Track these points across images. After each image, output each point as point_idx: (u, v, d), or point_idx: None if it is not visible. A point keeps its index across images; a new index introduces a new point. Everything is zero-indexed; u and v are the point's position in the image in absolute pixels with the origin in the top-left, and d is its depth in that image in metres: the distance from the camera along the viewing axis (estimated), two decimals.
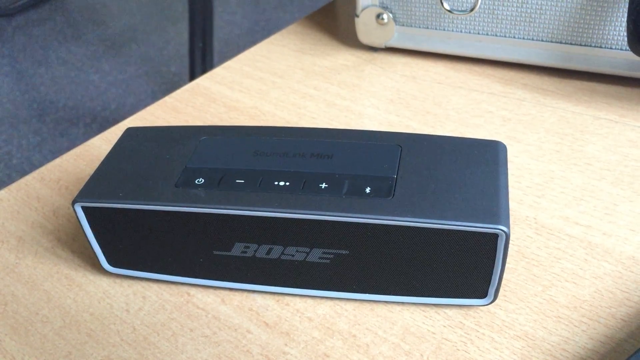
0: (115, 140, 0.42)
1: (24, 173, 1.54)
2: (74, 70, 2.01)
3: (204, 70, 1.53)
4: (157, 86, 1.91)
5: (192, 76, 1.56)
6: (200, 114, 0.45)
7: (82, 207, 0.30)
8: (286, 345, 0.30)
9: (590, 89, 0.44)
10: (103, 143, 0.43)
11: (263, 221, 0.28)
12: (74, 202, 0.30)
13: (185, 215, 0.29)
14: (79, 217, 0.30)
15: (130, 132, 0.34)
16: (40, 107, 1.85)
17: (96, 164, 0.41)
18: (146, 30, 2.17)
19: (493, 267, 0.28)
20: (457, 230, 0.27)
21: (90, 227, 0.31)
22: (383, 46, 0.49)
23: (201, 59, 1.58)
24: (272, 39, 0.53)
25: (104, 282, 0.33)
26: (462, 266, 0.28)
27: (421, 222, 0.27)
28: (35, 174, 0.40)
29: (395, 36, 0.48)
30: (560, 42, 0.44)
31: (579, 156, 0.38)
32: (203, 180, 0.30)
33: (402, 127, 0.42)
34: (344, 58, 0.50)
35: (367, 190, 0.28)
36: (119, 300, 0.32)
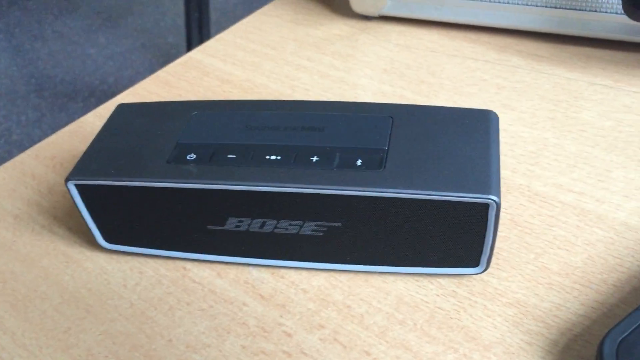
0: (108, 116, 0.42)
1: (24, 149, 1.54)
2: (71, 44, 1.99)
3: (200, 41, 1.52)
4: (154, 58, 1.89)
5: (189, 47, 1.55)
6: (193, 88, 0.44)
7: (76, 185, 0.30)
8: (282, 317, 0.30)
9: (586, 54, 0.44)
10: (97, 119, 0.43)
11: (255, 195, 0.28)
12: (67, 180, 0.30)
13: (178, 191, 0.29)
14: (73, 195, 0.30)
15: (121, 108, 0.34)
16: (38, 82, 1.85)
17: (90, 140, 0.41)
18: (142, 2, 2.15)
19: (485, 236, 0.28)
20: (448, 201, 0.27)
21: (85, 204, 0.31)
22: (377, 15, 0.49)
23: (198, 30, 1.57)
24: (265, 9, 0.53)
25: (100, 258, 0.33)
26: (455, 236, 0.28)
27: (412, 194, 0.27)
28: (30, 151, 0.40)
29: (388, 4, 0.48)
30: (555, 7, 0.43)
31: (573, 123, 0.38)
32: (195, 156, 0.30)
33: (396, 97, 0.42)
34: (338, 28, 0.49)
35: (359, 162, 0.28)
36: (116, 276, 0.32)
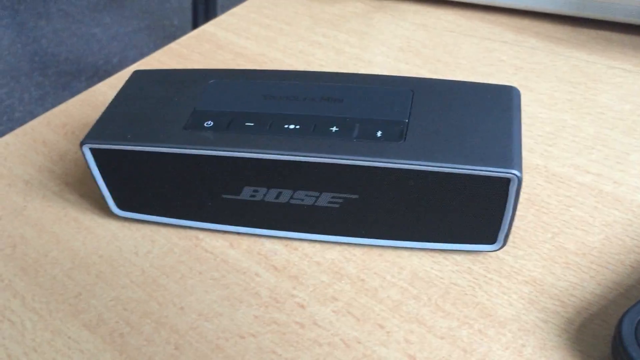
0: (120, 86, 0.42)
1: None
2: (75, 23, 1.98)
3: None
4: (159, 40, 1.88)
5: (195, 29, 1.54)
6: (206, 60, 0.44)
7: (90, 149, 0.30)
8: (294, 288, 0.30)
9: (605, 38, 0.43)
10: (109, 89, 0.42)
11: (272, 164, 0.28)
12: (82, 144, 0.29)
13: (194, 157, 0.29)
14: (87, 159, 0.30)
15: (137, 74, 0.33)
16: (42, 61, 1.84)
17: (102, 109, 0.40)
18: None
19: (504, 212, 0.28)
20: (469, 175, 0.27)
21: (99, 169, 0.30)
22: None
23: (204, 12, 1.56)
24: None
25: (112, 225, 0.33)
26: (473, 211, 0.28)
27: (433, 166, 0.27)
28: (41, 118, 0.40)
29: None
30: None
31: (592, 105, 0.38)
32: (212, 123, 0.29)
33: (412, 75, 0.41)
34: (353, 5, 0.49)
35: (379, 134, 0.28)
36: (128, 244, 0.32)
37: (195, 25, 1.55)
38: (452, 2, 0.47)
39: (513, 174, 0.26)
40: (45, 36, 1.94)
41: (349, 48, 0.44)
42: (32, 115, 1.64)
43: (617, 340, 0.25)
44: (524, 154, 0.35)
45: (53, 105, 1.65)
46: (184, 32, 1.88)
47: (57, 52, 1.87)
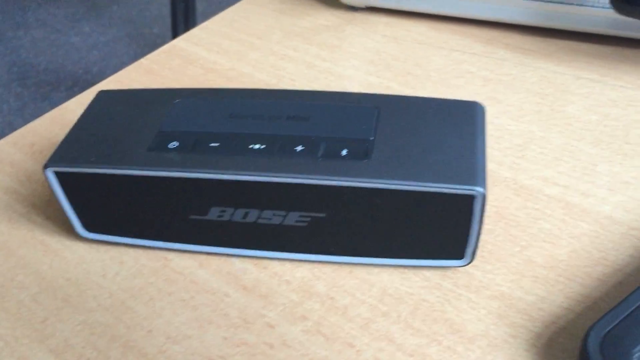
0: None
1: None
2: (54, 32, 1.96)
3: (186, 31, 1.51)
4: (139, 48, 1.88)
5: (175, 37, 1.53)
6: (177, 76, 0.44)
7: (54, 172, 0.29)
8: (264, 308, 0.30)
9: (572, 48, 0.43)
10: (78, 107, 0.42)
11: (238, 185, 0.28)
12: (45, 167, 0.29)
13: (159, 179, 0.28)
14: (51, 183, 0.30)
15: (102, 95, 0.33)
16: (21, 71, 1.82)
17: (70, 127, 0.40)
18: None
19: (470, 228, 0.28)
20: (433, 192, 0.27)
21: (63, 192, 0.30)
22: (363, 6, 0.48)
23: (184, 20, 1.55)
24: None
25: (80, 247, 0.33)
26: (440, 228, 0.28)
27: (397, 184, 0.27)
28: (9, 138, 0.39)
29: None
30: (543, 1, 0.43)
31: (560, 116, 0.38)
32: (177, 144, 0.29)
33: (383, 89, 0.41)
34: (324, 18, 0.49)
35: (344, 152, 0.28)
36: (96, 266, 0.32)
37: (175, 32, 1.55)
38: (423, 14, 0.48)
39: (477, 190, 0.26)
40: (24, 46, 1.92)
41: (320, 62, 0.44)
42: (12, 126, 1.62)
43: (583, 355, 0.25)
44: (493, 166, 0.35)
45: (32, 116, 1.64)
46: (164, 40, 1.88)
47: (36, 62, 1.86)
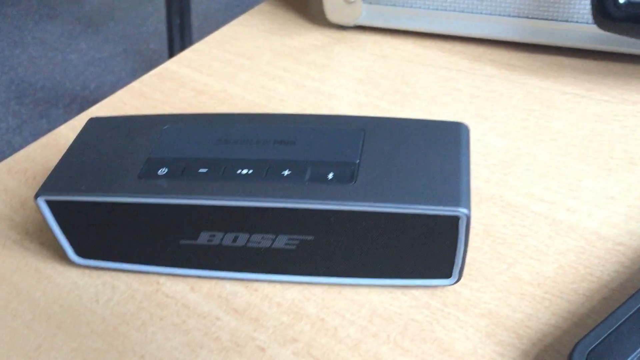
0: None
1: (4, 156, 1.53)
2: (51, 50, 1.97)
3: (182, 47, 1.52)
4: (136, 64, 1.89)
5: (171, 53, 1.54)
6: (168, 99, 0.44)
7: (45, 201, 0.30)
8: (255, 330, 0.30)
9: (558, 64, 0.44)
10: (70, 131, 0.42)
11: (227, 210, 0.28)
12: (36, 196, 0.29)
13: (149, 206, 0.29)
14: (43, 211, 0.30)
15: (92, 122, 0.33)
16: (19, 89, 1.83)
17: (63, 153, 0.40)
18: (123, 7, 2.14)
19: (456, 248, 0.28)
20: (418, 214, 0.27)
21: (55, 220, 0.30)
22: (352, 25, 0.49)
23: (180, 36, 1.56)
24: (241, 19, 0.53)
25: (73, 273, 0.33)
26: (426, 248, 0.29)
27: (382, 207, 0.27)
28: (2, 165, 0.40)
29: (363, 14, 0.48)
30: (528, 17, 0.44)
31: (545, 132, 0.39)
32: (166, 170, 0.30)
33: (371, 107, 0.42)
34: (314, 38, 0.50)
35: (330, 176, 0.29)
36: (88, 292, 0.32)
37: (171, 48, 1.56)
38: (410, 32, 0.48)
39: (461, 212, 0.27)
40: (21, 64, 1.93)
41: (309, 81, 0.45)
42: (10, 145, 1.63)
43: None
44: (480, 184, 0.36)
45: (31, 134, 1.65)
46: (160, 56, 1.89)
47: (34, 80, 1.86)
